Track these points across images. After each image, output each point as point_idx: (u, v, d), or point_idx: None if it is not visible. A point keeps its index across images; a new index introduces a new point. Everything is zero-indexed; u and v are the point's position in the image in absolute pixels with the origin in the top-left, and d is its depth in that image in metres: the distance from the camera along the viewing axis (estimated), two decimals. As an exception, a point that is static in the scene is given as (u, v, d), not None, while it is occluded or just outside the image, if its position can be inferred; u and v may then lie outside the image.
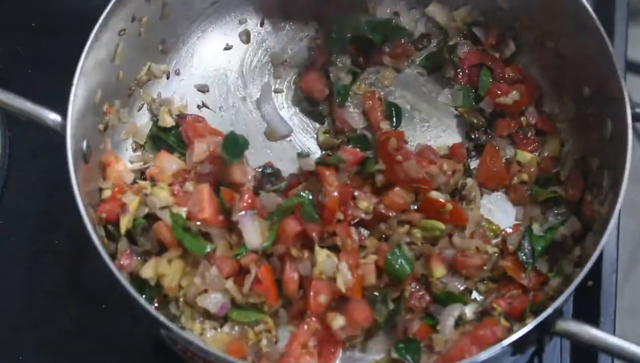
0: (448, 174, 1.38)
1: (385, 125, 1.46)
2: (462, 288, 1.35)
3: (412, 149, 1.44)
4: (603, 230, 1.16)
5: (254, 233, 1.29)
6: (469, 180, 1.41)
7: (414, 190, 1.37)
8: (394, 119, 1.50)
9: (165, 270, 1.27)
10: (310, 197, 1.31)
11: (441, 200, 1.35)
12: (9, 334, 1.40)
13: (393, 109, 1.50)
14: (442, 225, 1.36)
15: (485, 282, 1.36)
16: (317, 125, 1.52)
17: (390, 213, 1.36)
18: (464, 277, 1.34)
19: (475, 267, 1.33)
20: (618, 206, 1.17)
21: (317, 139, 1.51)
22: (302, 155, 1.40)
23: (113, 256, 1.27)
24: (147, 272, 1.27)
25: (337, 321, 1.26)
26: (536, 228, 1.34)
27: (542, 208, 1.39)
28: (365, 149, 1.43)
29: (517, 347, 1.14)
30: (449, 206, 1.35)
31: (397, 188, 1.36)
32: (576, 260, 1.28)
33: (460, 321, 1.29)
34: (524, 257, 1.33)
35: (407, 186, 1.36)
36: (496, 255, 1.36)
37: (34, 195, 1.52)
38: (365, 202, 1.35)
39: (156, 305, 1.30)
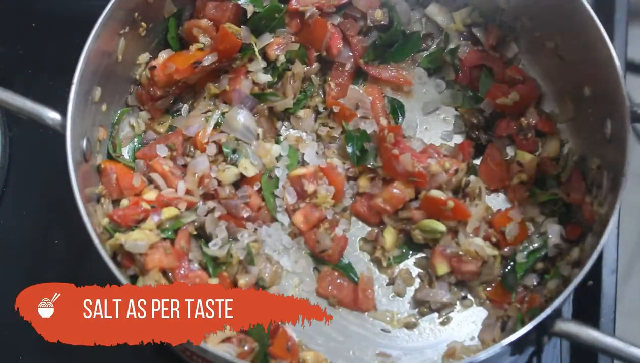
0: (450, 172, 1.38)
1: (385, 121, 1.46)
2: (462, 295, 1.37)
3: (414, 148, 1.43)
4: (603, 231, 1.16)
5: None
6: (472, 178, 1.41)
7: (414, 185, 1.37)
8: (398, 113, 1.50)
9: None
10: None
11: (442, 198, 1.35)
12: (9, 334, 1.40)
13: (395, 104, 1.51)
14: (442, 227, 1.36)
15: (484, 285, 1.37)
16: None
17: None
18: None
19: (471, 273, 1.34)
20: (618, 206, 1.17)
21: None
22: None
23: (113, 256, 1.27)
24: None
25: None
26: (520, 257, 1.34)
27: (540, 208, 1.39)
28: (366, 141, 1.44)
29: (516, 347, 1.14)
30: (450, 203, 1.35)
31: (395, 183, 1.37)
32: (574, 261, 1.28)
33: None
34: (508, 286, 1.35)
35: (404, 181, 1.37)
36: (495, 259, 1.35)
37: (34, 195, 1.52)
38: None
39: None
